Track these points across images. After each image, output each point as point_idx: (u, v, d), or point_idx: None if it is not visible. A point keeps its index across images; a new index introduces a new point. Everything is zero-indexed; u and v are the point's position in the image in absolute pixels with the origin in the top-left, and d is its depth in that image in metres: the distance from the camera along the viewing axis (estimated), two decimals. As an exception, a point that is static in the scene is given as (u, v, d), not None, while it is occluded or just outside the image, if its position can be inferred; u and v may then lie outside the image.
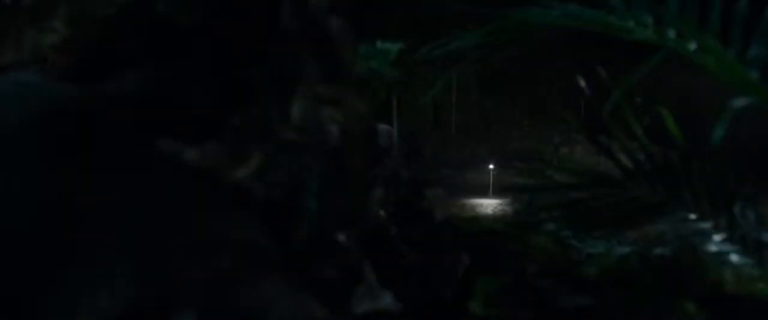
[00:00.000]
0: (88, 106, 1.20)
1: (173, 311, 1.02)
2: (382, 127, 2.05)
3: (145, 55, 1.40)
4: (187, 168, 1.16)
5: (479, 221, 1.77)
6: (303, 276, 1.21)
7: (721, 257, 1.47)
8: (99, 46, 1.45)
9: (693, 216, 1.62)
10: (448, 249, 1.51)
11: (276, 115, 1.34)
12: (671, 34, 1.46)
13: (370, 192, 1.80)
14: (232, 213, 1.14)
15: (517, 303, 1.24)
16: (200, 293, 1.04)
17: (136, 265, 1.00)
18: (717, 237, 1.54)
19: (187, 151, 1.24)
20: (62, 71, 1.34)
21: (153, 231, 1.05)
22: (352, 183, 1.53)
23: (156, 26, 1.42)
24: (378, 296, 1.34)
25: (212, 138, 1.26)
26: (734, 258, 1.47)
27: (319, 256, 1.32)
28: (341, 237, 1.39)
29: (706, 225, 1.58)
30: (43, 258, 0.92)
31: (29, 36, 1.37)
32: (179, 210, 1.09)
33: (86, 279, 0.93)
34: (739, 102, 1.09)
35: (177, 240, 1.06)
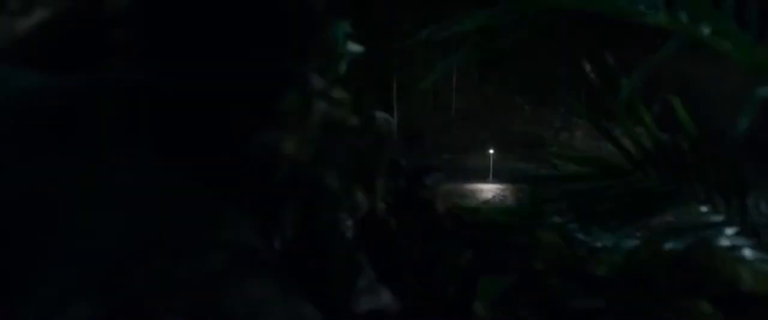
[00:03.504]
0: (63, 98, 1.12)
1: (156, 316, 0.96)
2: (380, 114, 1.98)
3: (134, 43, 1.33)
4: (173, 167, 1.09)
5: (481, 212, 1.72)
6: (298, 276, 1.15)
7: (734, 252, 1.41)
8: (82, 32, 1.37)
9: (704, 209, 1.55)
10: (450, 245, 1.45)
11: (305, 111, 1.26)
12: (684, 17, 1.38)
13: (371, 184, 1.73)
14: (220, 212, 1.07)
15: (524, 304, 1.18)
16: (185, 297, 0.98)
17: (115, 270, 0.94)
18: (729, 231, 1.47)
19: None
20: (39, 59, 1.26)
21: (133, 233, 0.98)
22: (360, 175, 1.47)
23: (147, 12, 1.34)
24: (377, 294, 1.28)
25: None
26: (748, 253, 1.41)
27: (319, 253, 1.26)
28: (347, 232, 1.33)
29: (718, 217, 1.52)
30: (8, 265, 0.85)
31: (2, 21, 1.30)
32: (162, 210, 1.02)
33: (58, 288, 0.87)
34: (766, 91, 1.02)
35: (159, 241, 0.99)
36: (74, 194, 1.01)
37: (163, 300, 0.92)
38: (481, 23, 1.55)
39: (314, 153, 1.21)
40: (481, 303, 1.20)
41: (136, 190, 1.06)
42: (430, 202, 1.97)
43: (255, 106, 1.18)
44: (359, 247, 1.41)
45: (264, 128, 1.17)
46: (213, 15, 1.30)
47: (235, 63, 1.21)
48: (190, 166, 1.13)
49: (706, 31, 1.33)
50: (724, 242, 1.45)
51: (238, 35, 1.29)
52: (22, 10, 1.29)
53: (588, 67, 1.65)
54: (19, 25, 1.29)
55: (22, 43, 1.36)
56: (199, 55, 1.28)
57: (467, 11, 1.56)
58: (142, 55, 1.32)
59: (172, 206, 1.06)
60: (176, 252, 1.01)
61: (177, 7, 1.32)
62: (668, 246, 1.39)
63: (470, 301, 1.22)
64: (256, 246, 1.07)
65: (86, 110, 1.15)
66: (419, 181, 2.19)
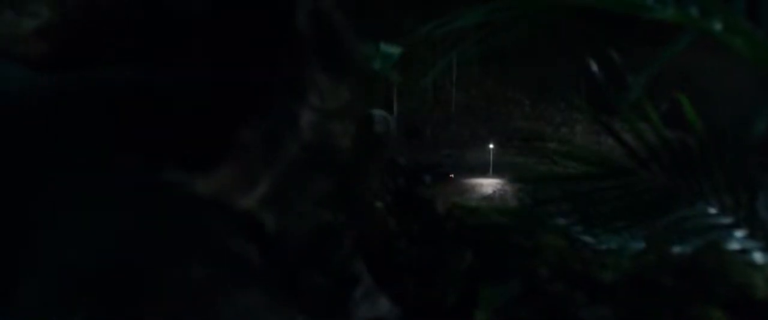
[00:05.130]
0: (54, 97, 1.08)
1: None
2: (379, 113, 1.93)
3: (134, 44, 1.27)
4: (161, 176, 1.04)
5: (481, 213, 1.67)
6: (291, 286, 1.10)
7: (745, 255, 1.36)
8: (82, 31, 1.32)
9: (712, 210, 1.51)
10: (450, 247, 1.40)
11: (287, 130, 1.20)
12: (694, 12, 1.33)
13: (367, 185, 1.69)
14: (209, 220, 1.03)
15: (528, 312, 1.14)
16: (171, 304, 0.93)
17: (100, 275, 0.89)
18: (739, 234, 1.42)
19: (197, 178, 1.08)
20: (40, 59, 1.21)
21: (120, 237, 0.93)
22: (356, 189, 1.42)
23: (150, 12, 1.29)
24: (376, 302, 1.23)
25: (222, 157, 1.11)
26: (759, 256, 1.36)
27: (313, 263, 1.21)
28: (344, 241, 1.28)
29: (727, 219, 1.47)
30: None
31: (6, 21, 1.25)
32: (147, 217, 0.97)
33: (41, 292, 0.82)
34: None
35: (147, 246, 0.95)
36: (62, 196, 0.97)
37: (149, 307, 0.88)
38: (482, 19, 1.51)
39: (284, 180, 1.15)
40: (482, 312, 1.15)
41: (126, 193, 1.01)
42: (429, 202, 1.92)
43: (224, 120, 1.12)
44: (358, 249, 1.37)
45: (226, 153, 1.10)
46: (208, 14, 1.26)
47: (227, 65, 1.16)
48: (181, 169, 1.08)
49: (717, 26, 1.28)
50: (734, 245, 1.40)
51: (233, 36, 1.24)
52: (22, 10, 1.24)
53: (590, 63, 1.60)
54: (19, 25, 1.24)
55: (21, 43, 1.31)
56: (195, 56, 1.24)
57: (469, 7, 1.51)
58: (138, 55, 1.27)
59: (161, 211, 1.02)
60: (163, 259, 0.96)
61: (172, 7, 1.28)
62: (676, 250, 1.34)
63: (470, 307, 1.18)
64: (247, 255, 1.03)
65: (77, 110, 1.11)
66: (419, 180, 2.14)
